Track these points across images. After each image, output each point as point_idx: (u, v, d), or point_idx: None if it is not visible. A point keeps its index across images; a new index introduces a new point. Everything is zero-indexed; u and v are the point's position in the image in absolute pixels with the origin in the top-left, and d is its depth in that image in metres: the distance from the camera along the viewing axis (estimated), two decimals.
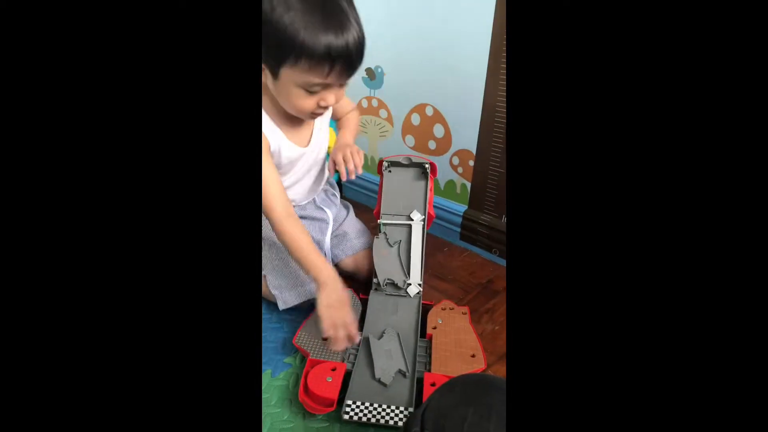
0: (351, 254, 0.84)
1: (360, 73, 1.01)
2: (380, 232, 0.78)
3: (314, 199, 0.85)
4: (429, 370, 0.62)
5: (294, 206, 0.81)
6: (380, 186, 0.80)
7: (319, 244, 0.83)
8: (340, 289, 0.63)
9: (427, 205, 0.77)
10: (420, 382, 0.60)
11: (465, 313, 0.72)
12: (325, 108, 0.64)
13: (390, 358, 0.63)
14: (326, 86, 0.60)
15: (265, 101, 0.67)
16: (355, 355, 0.64)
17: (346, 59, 0.57)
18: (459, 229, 0.96)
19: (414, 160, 0.78)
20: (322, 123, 0.77)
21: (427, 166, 0.77)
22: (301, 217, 0.82)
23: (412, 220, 0.77)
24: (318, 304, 0.61)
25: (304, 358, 0.67)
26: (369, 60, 0.99)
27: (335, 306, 0.61)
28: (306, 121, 0.73)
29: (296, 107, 0.63)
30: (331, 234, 0.84)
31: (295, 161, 0.73)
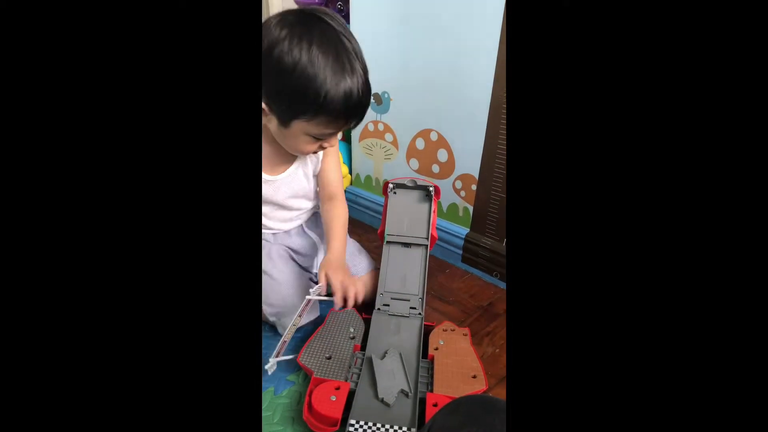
0: None
1: None
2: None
3: (301, 225, 0.84)
4: (431, 391, 0.63)
5: (279, 233, 0.81)
6: (385, 206, 0.82)
7: (309, 272, 0.83)
8: None
9: (431, 227, 0.80)
10: (422, 402, 0.61)
11: (466, 335, 0.74)
12: (325, 149, 0.67)
13: (393, 378, 0.64)
14: (334, 135, 0.64)
15: None
16: (358, 375, 0.65)
17: (360, 112, 0.61)
18: (461, 252, 0.98)
19: (419, 182, 0.80)
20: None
21: (431, 188, 0.79)
22: (289, 248, 0.82)
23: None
24: None
25: (307, 377, 0.68)
26: (377, 86, 1.02)
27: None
28: (284, 153, 0.72)
29: (302, 150, 0.66)
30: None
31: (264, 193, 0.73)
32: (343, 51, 0.57)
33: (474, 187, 0.92)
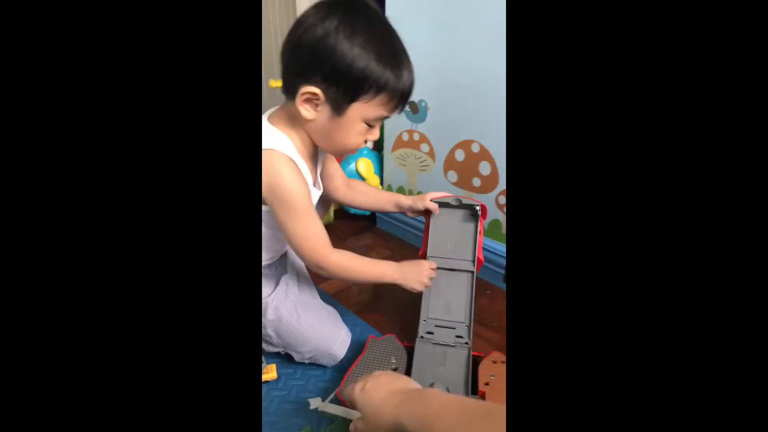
0: None
1: None
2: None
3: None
4: None
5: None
6: (426, 227, 0.76)
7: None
8: (409, 273, 0.68)
9: (477, 249, 0.74)
10: None
11: None
12: (366, 143, 0.64)
13: None
14: (383, 120, 0.61)
15: (297, 137, 0.61)
16: None
17: (410, 94, 0.60)
18: (503, 271, 0.92)
19: (464, 201, 0.74)
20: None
21: (477, 208, 0.74)
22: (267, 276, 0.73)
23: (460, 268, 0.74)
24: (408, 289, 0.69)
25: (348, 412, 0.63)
26: (413, 93, 0.97)
27: (416, 283, 0.69)
28: (318, 163, 0.69)
29: (350, 144, 0.61)
30: None
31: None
32: (393, 32, 0.58)
33: None
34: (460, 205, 0.75)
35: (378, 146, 1.16)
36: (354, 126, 0.59)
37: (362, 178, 1.11)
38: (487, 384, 0.64)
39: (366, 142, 0.63)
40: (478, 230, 0.74)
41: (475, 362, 0.68)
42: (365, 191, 0.81)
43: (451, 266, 0.74)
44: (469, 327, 0.71)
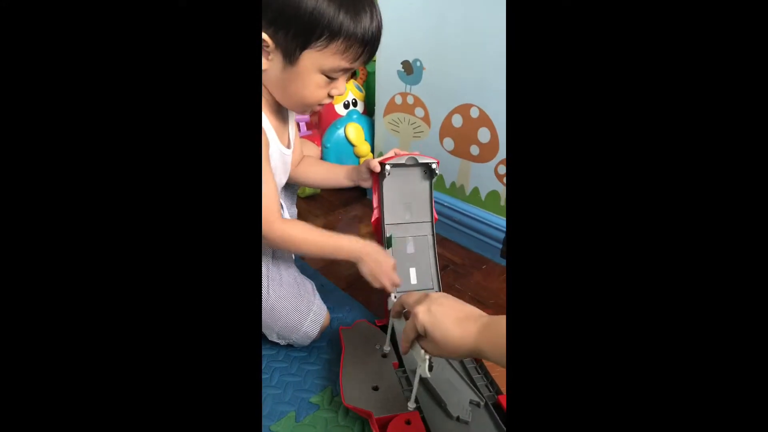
0: None
1: (395, 66, 0.91)
2: (389, 246, 0.67)
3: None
4: (500, 392, 0.56)
5: None
6: (376, 191, 0.69)
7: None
8: (373, 253, 0.61)
9: (433, 208, 0.69)
10: (498, 408, 0.54)
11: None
12: (332, 99, 0.58)
13: (456, 390, 0.55)
14: (345, 72, 0.55)
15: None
16: (416, 397, 0.55)
17: (374, 44, 0.54)
18: (500, 245, 0.87)
19: (420, 160, 0.67)
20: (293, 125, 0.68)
21: (434, 166, 0.67)
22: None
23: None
24: (364, 274, 0.61)
25: (333, 397, 0.59)
26: (407, 52, 0.89)
27: (376, 270, 0.60)
28: (288, 120, 0.65)
29: (308, 97, 0.56)
30: None
31: (279, 167, 0.64)
32: None
33: None
34: (416, 164, 0.68)
35: (369, 110, 1.08)
36: (310, 77, 0.53)
37: (352, 145, 1.04)
38: None
39: (330, 96, 0.57)
40: (432, 186, 0.69)
41: None
42: (313, 164, 0.74)
43: (411, 230, 0.69)
44: (439, 291, 0.67)
